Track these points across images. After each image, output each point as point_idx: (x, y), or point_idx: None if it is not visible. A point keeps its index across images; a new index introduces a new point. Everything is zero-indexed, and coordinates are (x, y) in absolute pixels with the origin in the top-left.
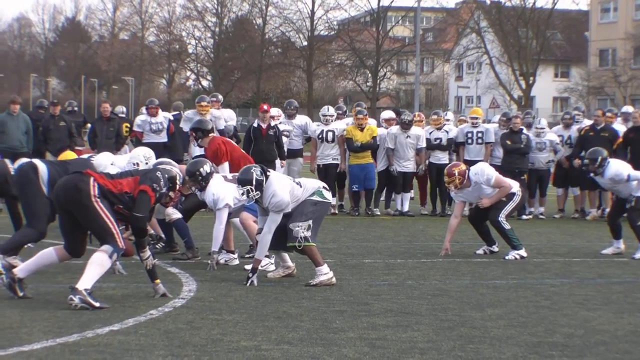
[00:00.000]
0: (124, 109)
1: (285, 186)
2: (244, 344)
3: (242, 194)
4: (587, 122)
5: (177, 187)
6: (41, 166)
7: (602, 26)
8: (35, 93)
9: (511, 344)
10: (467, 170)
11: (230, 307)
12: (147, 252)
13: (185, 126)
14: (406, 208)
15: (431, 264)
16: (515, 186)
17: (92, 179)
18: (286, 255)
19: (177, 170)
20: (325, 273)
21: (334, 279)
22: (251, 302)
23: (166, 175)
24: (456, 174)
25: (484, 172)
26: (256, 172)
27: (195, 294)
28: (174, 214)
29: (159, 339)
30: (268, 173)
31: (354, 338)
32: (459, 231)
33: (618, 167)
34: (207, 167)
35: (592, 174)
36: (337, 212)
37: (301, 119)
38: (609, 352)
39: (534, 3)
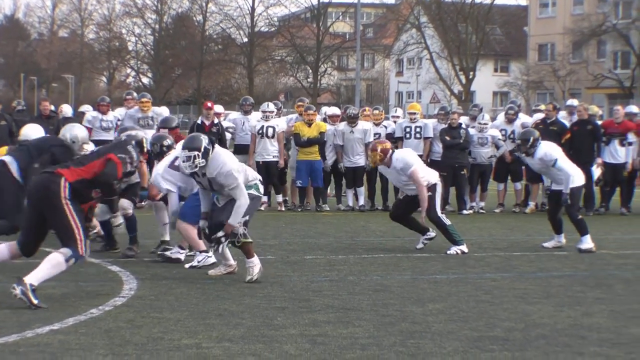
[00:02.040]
0: (70, 109)
1: (234, 159)
2: (184, 342)
3: (186, 160)
4: (525, 117)
5: (145, 149)
6: (7, 158)
7: (541, 21)
8: None
9: (452, 339)
10: (391, 150)
11: (171, 305)
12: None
13: (128, 123)
14: (361, 202)
15: (372, 260)
16: (434, 176)
17: (62, 180)
18: (228, 253)
19: (142, 134)
20: (257, 264)
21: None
22: (192, 300)
23: (134, 142)
24: (378, 150)
25: (405, 159)
26: (205, 140)
27: (135, 292)
28: (129, 208)
29: (99, 338)
30: (215, 146)
31: (295, 335)
32: (399, 227)
33: (549, 149)
34: (168, 141)
35: (523, 155)
36: (283, 208)
37: (257, 116)
38: (549, 345)
39: None
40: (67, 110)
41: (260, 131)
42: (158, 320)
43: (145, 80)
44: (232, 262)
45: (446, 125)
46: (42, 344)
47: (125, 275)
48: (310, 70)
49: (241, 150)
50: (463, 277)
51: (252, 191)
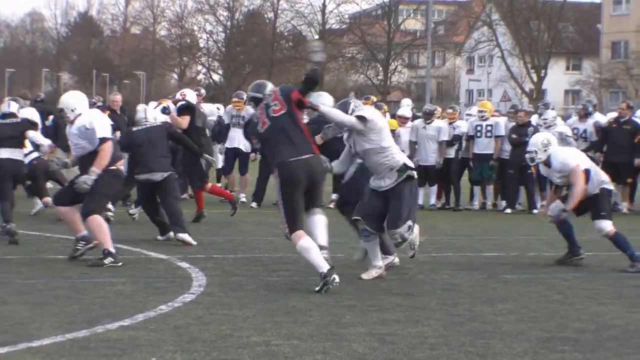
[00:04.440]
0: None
1: None
2: (253, 339)
3: None
4: (599, 116)
5: None
6: None
7: (615, 18)
8: (47, 88)
9: (522, 339)
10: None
11: (240, 302)
12: None
13: (226, 119)
14: (432, 201)
15: (441, 259)
16: None
17: None
18: (378, 253)
19: None
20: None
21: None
22: (260, 297)
23: None
24: None
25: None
26: None
27: (204, 289)
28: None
29: (168, 334)
30: None
31: (364, 333)
32: (470, 226)
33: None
34: None
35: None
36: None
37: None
38: (621, 347)
39: None
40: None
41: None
42: (227, 317)
43: (216, 77)
44: (380, 262)
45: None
46: (112, 340)
47: (194, 272)
48: (381, 68)
49: None
50: (534, 277)
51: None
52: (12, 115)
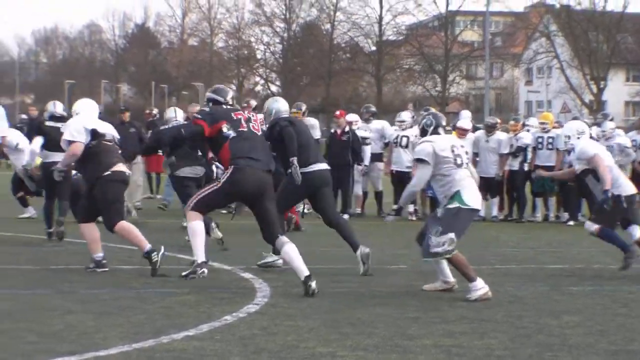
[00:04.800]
0: None
1: None
2: (319, 350)
3: None
4: None
5: None
6: None
7: None
8: (106, 99)
9: (590, 352)
10: None
11: (305, 313)
12: None
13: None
14: (494, 212)
15: (505, 271)
16: None
17: None
18: (447, 268)
19: None
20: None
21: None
22: (325, 308)
23: None
24: None
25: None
26: None
27: (269, 299)
28: None
29: (234, 344)
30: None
31: (429, 345)
32: (533, 237)
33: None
34: None
35: None
36: (414, 218)
37: (378, 124)
38: None
39: (604, 6)
40: None
41: (395, 140)
42: (292, 328)
43: (273, 88)
44: (451, 279)
45: None
46: (178, 350)
47: (258, 283)
48: (439, 79)
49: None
50: (599, 289)
51: (455, 204)
52: (62, 118)
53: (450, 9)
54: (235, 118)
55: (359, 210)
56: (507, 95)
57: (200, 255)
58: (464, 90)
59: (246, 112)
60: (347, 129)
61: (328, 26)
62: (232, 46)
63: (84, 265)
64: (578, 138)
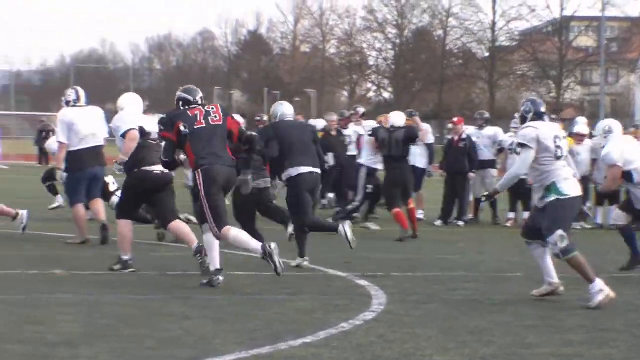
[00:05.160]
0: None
1: None
2: (436, 358)
3: None
4: None
5: None
6: None
7: None
8: None
9: None
10: None
11: (421, 321)
12: None
13: None
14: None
15: (625, 279)
16: None
17: None
18: (551, 267)
19: None
20: (600, 290)
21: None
22: (442, 316)
23: None
24: None
25: None
26: None
27: (385, 307)
28: None
29: (351, 352)
30: None
31: (548, 354)
32: None
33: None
34: None
35: None
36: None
37: (490, 130)
38: None
39: None
40: (319, 124)
41: (510, 147)
42: (409, 335)
43: (385, 94)
44: (556, 280)
45: None
46: (296, 357)
47: (373, 290)
48: (553, 85)
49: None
50: None
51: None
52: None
53: (565, 14)
54: (190, 115)
55: (471, 216)
56: (623, 101)
57: (215, 264)
58: (578, 97)
59: (207, 108)
60: (464, 135)
61: (440, 32)
62: (344, 52)
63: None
64: (605, 137)
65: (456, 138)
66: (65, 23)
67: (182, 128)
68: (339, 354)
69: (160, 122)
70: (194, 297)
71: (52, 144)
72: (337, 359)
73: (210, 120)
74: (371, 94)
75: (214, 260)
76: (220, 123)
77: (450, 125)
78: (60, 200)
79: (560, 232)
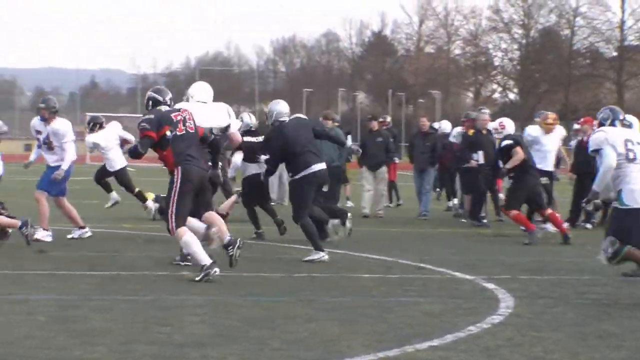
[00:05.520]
0: (449, 125)
1: None
2: None
3: None
4: None
5: None
6: None
7: None
8: (343, 107)
9: None
10: None
11: (550, 325)
12: None
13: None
14: None
15: None
16: None
17: None
18: None
19: None
20: None
21: None
22: (570, 320)
23: None
24: None
25: None
26: None
27: (512, 310)
28: None
29: (478, 356)
30: None
31: None
32: None
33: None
34: None
35: None
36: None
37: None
38: None
39: None
40: (445, 126)
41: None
42: (537, 339)
43: (511, 95)
44: None
45: None
46: None
47: (501, 293)
48: None
49: None
50: None
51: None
52: (256, 132)
53: None
54: (174, 120)
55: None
56: None
57: (204, 260)
58: None
59: (183, 113)
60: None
61: (567, 32)
62: (469, 53)
63: (327, 273)
64: None
65: (585, 139)
66: (191, 26)
67: (168, 133)
68: (467, 357)
69: (147, 122)
70: (319, 299)
71: (95, 139)
72: None
73: (188, 127)
74: (496, 95)
75: (201, 256)
76: (194, 131)
77: (577, 126)
78: (115, 197)
79: (611, 238)
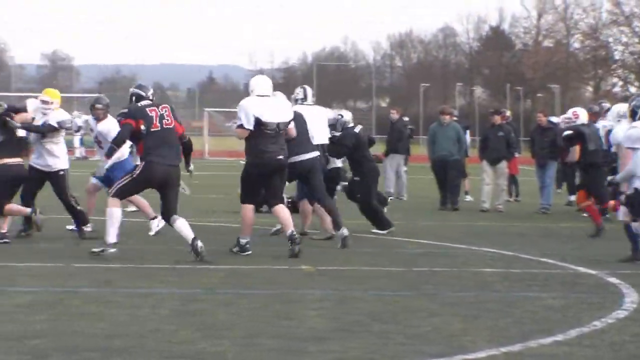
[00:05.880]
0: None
1: None
2: None
3: None
4: None
5: None
6: None
7: None
8: (460, 102)
9: None
10: None
11: None
12: None
13: None
14: None
15: None
16: None
17: None
18: None
19: None
20: None
21: None
22: None
23: None
24: None
25: None
26: None
27: (638, 305)
28: None
29: (604, 351)
30: None
31: None
32: None
33: None
34: None
35: None
36: None
37: None
38: None
39: None
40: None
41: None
42: None
43: (632, 89)
44: None
45: None
46: (546, 355)
47: (624, 288)
48: None
49: None
50: None
51: None
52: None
53: None
54: (149, 115)
55: None
56: None
57: (112, 238)
58: None
59: (160, 108)
60: None
61: None
62: (588, 47)
63: (448, 268)
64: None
65: None
66: (308, 22)
67: (142, 127)
68: (592, 352)
69: (123, 115)
70: (441, 294)
71: None
72: (590, 358)
73: (163, 123)
74: (617, 88)
75: (112, 234)
76: (171, 126)
77: None
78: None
79: None
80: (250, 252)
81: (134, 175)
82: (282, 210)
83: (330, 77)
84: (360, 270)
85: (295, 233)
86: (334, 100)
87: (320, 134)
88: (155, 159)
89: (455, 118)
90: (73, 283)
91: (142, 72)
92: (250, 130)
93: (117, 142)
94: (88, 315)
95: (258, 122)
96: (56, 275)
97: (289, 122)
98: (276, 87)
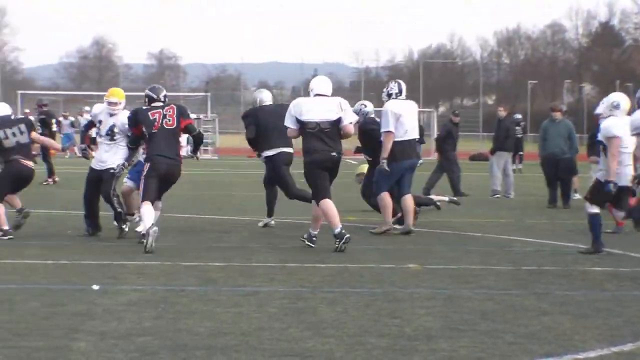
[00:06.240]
0: None
1: None
2: None
3: None
4: None
5: None
6: None
7: None
8: (568, 99)
9: None
10: None
11: None
12: None
13: None
14: None
15: None
16: None
17: None
18: None
19: None
20: None
21: None
22: None
23: None
24: None
25: None
26: None
27: None
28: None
29: None
30: None
31: None
32: None
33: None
34: None
35: None
36: None
37: None
38: None
39: None
40: None
41: None
42: None
43: None
44: None
45: None
46: None
47: None
48: None
49: None
50: None
51: None
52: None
53: None
54: (151, 119)
55: None
56: None
57: (147, 224)
58: None
59: (165, 109)
60: None
61: None
62: None
63: (556, 266)
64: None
65: None
66: (415, 19)
67: (144, 130)
68: None
69: (129, 120)
70: (551, 293)
71: None
72: None
73: (164, 123)
74: None
75: (147, 222)
76: (174, 126)
77: None
78: None
79: None
80: (314, 246)
81: (144, 175)
82: (329, 205)
83: (436, 75)
84: (468, 269)
85: (343, 231)
86: (440, 98)
87: (413, 129)
88: (156, 155)
89: (564, 114)
90: (178, 282)
91: (248, 71)
92: (292, 128)
93: (130, 144)
94: (193, 313)
95: (299, 121)
96: (160, 273)
97: (334, 122)
98: (382, 85)
